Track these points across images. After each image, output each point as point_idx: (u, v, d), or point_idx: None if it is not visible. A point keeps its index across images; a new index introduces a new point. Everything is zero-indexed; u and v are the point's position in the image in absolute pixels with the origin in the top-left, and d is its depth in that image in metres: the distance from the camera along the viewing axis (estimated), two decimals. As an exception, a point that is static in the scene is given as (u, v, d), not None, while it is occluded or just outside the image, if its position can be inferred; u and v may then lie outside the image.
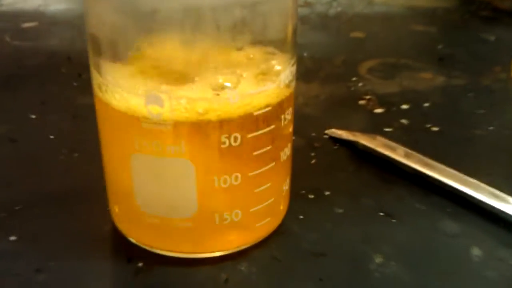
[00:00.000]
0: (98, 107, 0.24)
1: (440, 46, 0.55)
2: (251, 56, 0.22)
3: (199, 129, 0.22)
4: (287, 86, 0.23)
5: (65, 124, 0.38)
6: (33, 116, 0.39)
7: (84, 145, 0.35)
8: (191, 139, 0.22)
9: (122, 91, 0.22)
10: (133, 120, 0.22)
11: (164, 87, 0.21)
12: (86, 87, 0.43)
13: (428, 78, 0.47)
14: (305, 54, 0.50)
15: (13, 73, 0.47)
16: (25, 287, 0.24)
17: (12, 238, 0.27)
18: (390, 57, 0.52)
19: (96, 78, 0.23)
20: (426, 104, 0.42)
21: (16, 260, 0.25)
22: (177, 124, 0.21)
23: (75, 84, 0.45)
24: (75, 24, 0.59)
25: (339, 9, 0.68)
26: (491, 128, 0.38)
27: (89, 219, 0.28)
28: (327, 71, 0.48)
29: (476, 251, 0.26)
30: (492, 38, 0.59)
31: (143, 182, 0.23)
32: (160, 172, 0.22)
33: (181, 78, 0.21)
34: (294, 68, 0.24)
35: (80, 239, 0.27)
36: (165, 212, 0.23)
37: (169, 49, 0.21)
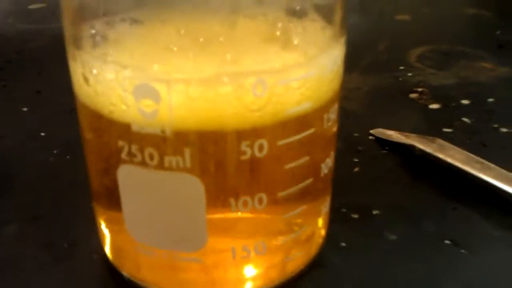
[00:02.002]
0: (77, 104, 0.18)
1: (498, 32, 0.48)
2: (286, 25, 0.15)
3: (210, 133, 0.15)
4: (335, 73, 0.17)
5: (60, 119, 0.32)
6: (25, 109, 0.34)
7: (79, 145, 0.29)
8: (198, 147, 0.16)
9: (105, 81, 0.16)
10: (120, 120, 0.16)
11: (159, 72, 0.15)
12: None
13: (489, 68, 0.40)
14: (343, 39, 0.43)
15: (11, 58, 0.42)
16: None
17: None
18: (442, 43, 0.45)
19: (75, 65, 0.17)
20: (491, 99, 0.35)
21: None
22: (179, 126, 0.15)
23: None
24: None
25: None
26: None
27: (75, 242, 0.22)
28: (369, 59, 0.41)
29: None
30: (558, 22, 0.52)
31: (135, 203, 0.17)
32: (156, 191, 0.16)
33: (183, 59, 0.15)
34: (343, 49, 0.17)
35: (62, 267, 0.21)
36: (164, 244, 0.17)
37: (169, 18, 0.15)
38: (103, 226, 0.20)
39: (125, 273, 0.20)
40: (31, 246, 0.22)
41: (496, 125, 0.32)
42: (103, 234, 0.20)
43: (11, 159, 0.29)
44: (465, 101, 0.35)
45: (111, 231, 0.19)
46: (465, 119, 0.32)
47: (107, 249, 0.20)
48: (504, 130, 0.31)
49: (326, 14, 0.16)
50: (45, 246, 0.22)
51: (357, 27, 0.48)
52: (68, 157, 0.28)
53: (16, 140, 0.30)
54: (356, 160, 0.28)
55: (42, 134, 0.31)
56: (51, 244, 0.22)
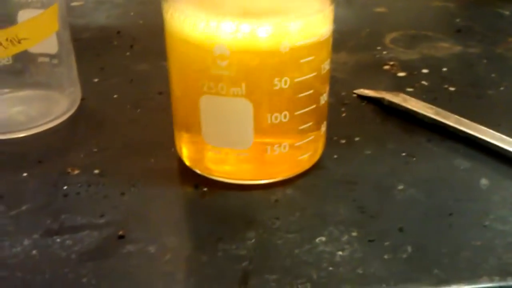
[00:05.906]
0: (170, 48, 0.29)
1: (457, 20, 0.60)
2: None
3: (256, 73, 0.27)
4: (327, 40, 0.28)
5: (124, 87, 0.44)
6: (96, 80, 0.45)
7: (144, 102, 0.40)
8: (250, 82, 0.27)
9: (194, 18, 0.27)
10: (203, 67, 0.27)
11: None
12: (139, 56, 0.49)
13: (446, 47, 0.52)
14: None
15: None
16: (113, 204, 0.29)
17: (96, 171, 0.32)
18: (411, 29, 0.56)
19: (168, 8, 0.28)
20: (445, 69, 0.46)
21: (104, 186, 0.31)
22: (239, 69, 0.26)
23: (128, 54, 0.50)
24: (118, 3, 0.65)
25: (363, -13, 0.73)
26: (501, 88, 0.43)
27: (157, 159, 0.33)
28: (353, 42, 0.52)
29: (484, 181, 0.31)
30: (507, 13, 0.63)
31: (210, 119, 0.28)
32: (224, 110, 0.28)
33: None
34: (332, 25, 0.29)
35: (154, 173, 0.32)
36: (226, 144, 0.29)
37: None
38: (183, 140, 0.31)
39: (197, 170, 0.31)
40: (127, 162, 0.33)
41: (446, 86, 0.43)
42: (180, 147, 0.31)
43: (95, 115, 0.40)
44: (425, 70, 0.46)
45: (190, 142, 0.30)
46: (424, 82, 0.44)
47: (184, 157, 0.31)
48: (452, 89, 0.43)
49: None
50: (136, 161, 0.33)
51: (344, 18, 0.59)
52: (138, 110, 0.39)
53: (96, 100, 0.41)
54: (343, 109, 0.39)
55: (115, 96, 0.42)
56: (140, 159, 0.33)
